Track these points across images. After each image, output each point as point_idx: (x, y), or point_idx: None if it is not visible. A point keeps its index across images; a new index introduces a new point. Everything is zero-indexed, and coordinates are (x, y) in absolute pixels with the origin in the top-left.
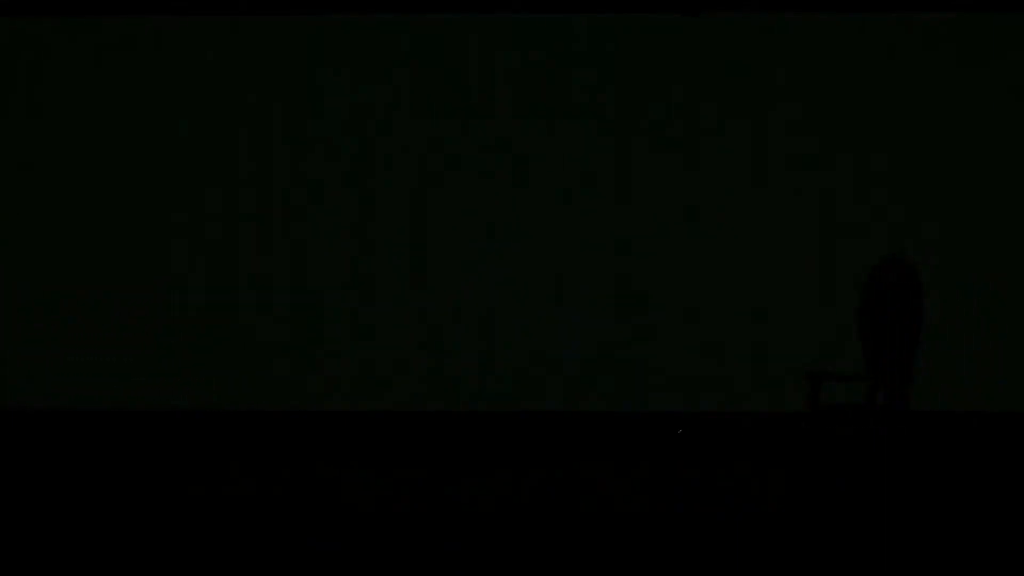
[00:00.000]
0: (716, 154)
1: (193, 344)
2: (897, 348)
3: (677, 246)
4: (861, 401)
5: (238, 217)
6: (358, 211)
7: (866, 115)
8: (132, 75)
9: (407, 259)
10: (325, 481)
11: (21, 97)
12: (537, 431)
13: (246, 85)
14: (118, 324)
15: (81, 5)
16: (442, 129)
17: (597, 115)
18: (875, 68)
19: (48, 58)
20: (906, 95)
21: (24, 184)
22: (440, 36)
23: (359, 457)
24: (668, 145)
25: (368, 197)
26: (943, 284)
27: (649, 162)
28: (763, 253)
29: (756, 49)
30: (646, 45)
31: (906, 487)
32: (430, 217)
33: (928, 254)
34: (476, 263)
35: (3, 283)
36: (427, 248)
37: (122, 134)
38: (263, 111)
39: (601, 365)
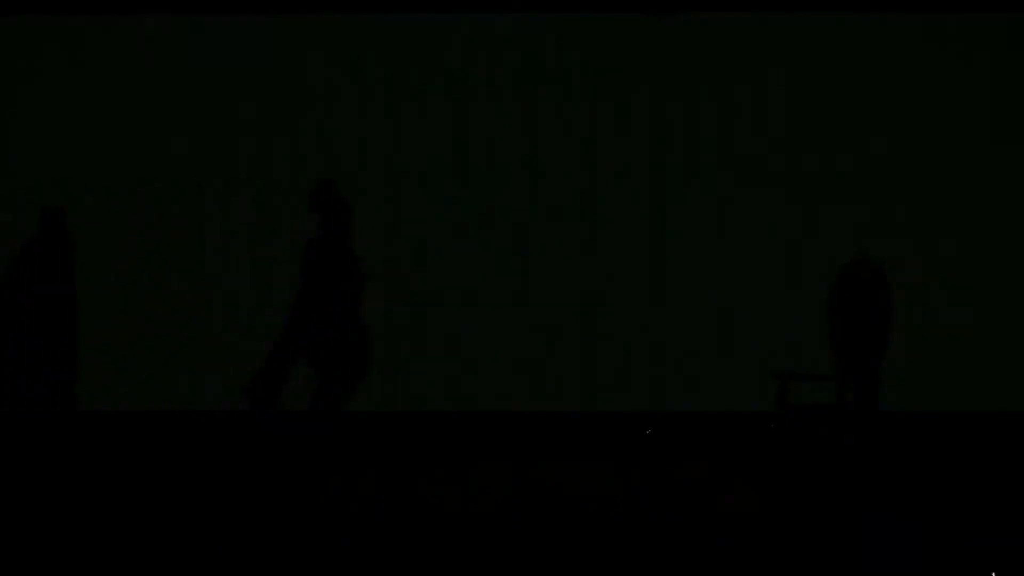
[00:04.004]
0: (686, 157)
1: (183, 345)
2: (867, 349)
3: (647, 249)
4: (828, 401)
5: (236, 217)
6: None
7: (836, 115)
8: (130, 74)
9: (395, 260)
10: (314, 481)
11: (21, 97)
12: (511, 431)
13: (244, 85)
14: (116, 324)
15: (81, 5)
16: (418, 130)
17: (569, 115)
18: (861, 69)
19: (47, 58)
20: (877, 96)
21: (23, 183)
22: (416, 37)
23: (329, 455)
24: (636, 149)
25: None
26: (938, 286)
27: (618, 167)
28: (735, 254)
29: (736, 50)
30: (619, 47)
31: (878, 486)
32: (403, 218)
33: (908, 257)
34: (447, 264)
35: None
36: (406, 248)
37: (121, 135)
38: (261, 111)
39: (570, 367)
